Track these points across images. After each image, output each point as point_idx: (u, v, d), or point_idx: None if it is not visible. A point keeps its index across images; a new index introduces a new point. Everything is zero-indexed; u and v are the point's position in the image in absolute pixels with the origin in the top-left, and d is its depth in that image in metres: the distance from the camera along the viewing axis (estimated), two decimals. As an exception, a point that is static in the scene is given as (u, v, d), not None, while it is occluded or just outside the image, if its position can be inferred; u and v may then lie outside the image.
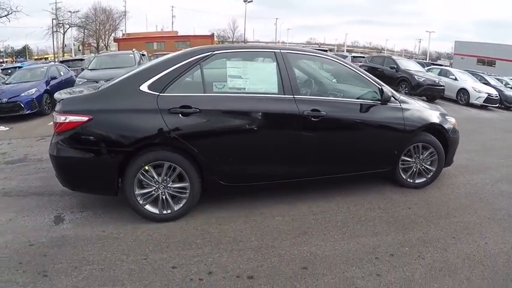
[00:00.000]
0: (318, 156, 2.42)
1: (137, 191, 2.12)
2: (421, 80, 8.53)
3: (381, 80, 2.81)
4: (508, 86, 10.91)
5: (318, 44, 47.97)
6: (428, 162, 2.85)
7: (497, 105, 9.25)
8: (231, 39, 45.33)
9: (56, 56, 28.11)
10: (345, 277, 1.66)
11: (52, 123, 2.29)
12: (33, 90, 6.46)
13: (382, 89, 2.55)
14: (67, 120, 2.04)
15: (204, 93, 2.17)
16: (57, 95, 2.34)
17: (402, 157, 2.75)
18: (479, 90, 9.02)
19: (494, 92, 9.19)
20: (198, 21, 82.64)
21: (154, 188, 2.13)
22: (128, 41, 26.80)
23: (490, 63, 33.80)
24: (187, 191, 2.16)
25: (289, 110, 2.25)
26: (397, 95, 2.73)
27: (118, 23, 35.19)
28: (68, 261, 1.80)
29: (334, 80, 2.85)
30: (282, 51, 2.39)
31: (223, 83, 2.26)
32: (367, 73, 2.72)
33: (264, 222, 2.23)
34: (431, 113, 2.85)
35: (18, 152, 4.09)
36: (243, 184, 2.31)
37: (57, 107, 2.16)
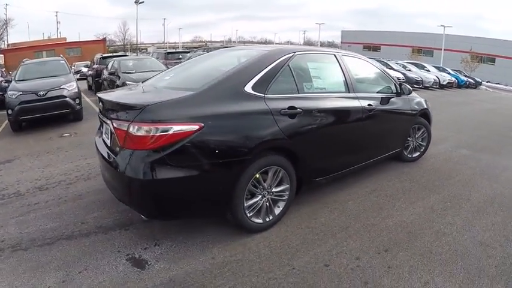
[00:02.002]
0: (369, 143, 3.19)
1: (246, 203, 2.23)
2: None
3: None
4: (407, 69, 14.86)
5: (204, 42, 51.95)
6: (420, 139, 4.10)
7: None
8: (122, 43, 48.41)
9: None
10: (436, 230, 2.50)
11: (120, 135, 2.01)
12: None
13: (401, 84, 3.55)
14: (170, 132, 1.87)
15: (298, 93, 2.50)
16: (118, 98, 2.26)
17: (404, 137, 3.88)
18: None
19: (401, 76, 12.45)
20: (84, 25, 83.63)
21: (260, 196, 2.32)
22: (15, 52, 27.09)
23: (375, 48, 43.93)
24: (287, 193, 2.48)
25: (357, 106, 2.89)
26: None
27: (1, 33, 32.90)
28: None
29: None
30: (338, 53, 2.99)
31: (310, 83, 2.64)
32: (387, 71, 3.68)
33: (345, 208, 2.82)
34: (421, 100, 4.07)
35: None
36: (327, 177, 2.82)
37: (142, 116, 1.89)
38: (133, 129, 1.91)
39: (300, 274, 1.98)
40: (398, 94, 3.57)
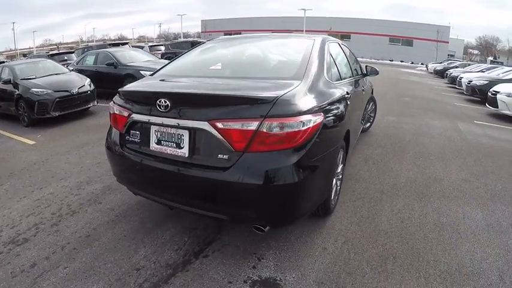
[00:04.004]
0: (360, 119, 3.94)
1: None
2: None
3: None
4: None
5: (56, 45, 51.38)
6: (370, 111, 5.27)
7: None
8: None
9: None
10: (434, 179, 3.45)
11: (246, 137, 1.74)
12: None
13: (366, 66, 4.46)
14: (311, 125, 1.80)
15: (341, 79, 2.82)
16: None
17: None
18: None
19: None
20: None
21: (335, 179, 2.55)
22: None
23: (236, 34, 48.28)
24: (341, 172, 2.82)
25: (359, 87, 3.51)
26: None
27: None
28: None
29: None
30: (338, 41, 3.51)
31: (341, 68, 2.99)
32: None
33: (363, 177, 3.42)
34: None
35: None
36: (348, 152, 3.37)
37: (277, 110, 1.73)
38: (269, 127, 1.71)
39: (395, 234, 2.43)
40: (364, 75, 4.48)
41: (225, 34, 48.04)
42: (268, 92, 1.86)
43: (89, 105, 6.14)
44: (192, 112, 1.88)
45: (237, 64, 2.64)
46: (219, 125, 1.78)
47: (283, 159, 1.76)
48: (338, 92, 2.49)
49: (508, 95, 6.96)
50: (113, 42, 15.55)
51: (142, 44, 20.80)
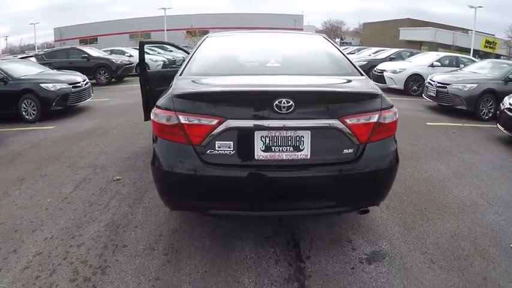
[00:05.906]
0: None
1: None
2: (119, 63, 12.50)
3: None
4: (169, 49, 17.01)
5: None
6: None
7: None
8: None
9: None
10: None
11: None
12: None
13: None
14: (397, 114, 2.17)
15: None
16: None
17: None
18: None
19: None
20: None
21: None
22: None
23: (92, 41, 44.41)
24: None
25: None
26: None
27: None
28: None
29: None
30: None
31: None
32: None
33: None
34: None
35: None
36: None
37: (385, 102, 2.07)
38: (385, 118, 2.04)
39: (410, 192, 3.22)
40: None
41: (80, 41, 43.19)
42: (365, 88, 2.20)
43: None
44: (318, 111, 2.01)
45: (287, 61, 2.71)
46: (348, 120, 1.97)
47: (391, 145, 2.15)
48: None
49: (394, 72, 9.20)
50: None
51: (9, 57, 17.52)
